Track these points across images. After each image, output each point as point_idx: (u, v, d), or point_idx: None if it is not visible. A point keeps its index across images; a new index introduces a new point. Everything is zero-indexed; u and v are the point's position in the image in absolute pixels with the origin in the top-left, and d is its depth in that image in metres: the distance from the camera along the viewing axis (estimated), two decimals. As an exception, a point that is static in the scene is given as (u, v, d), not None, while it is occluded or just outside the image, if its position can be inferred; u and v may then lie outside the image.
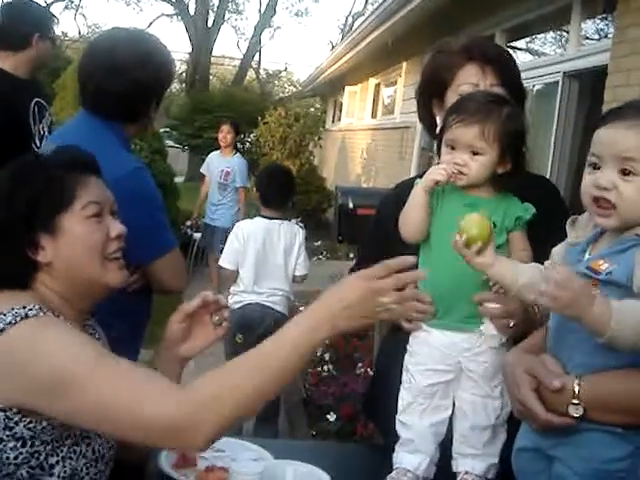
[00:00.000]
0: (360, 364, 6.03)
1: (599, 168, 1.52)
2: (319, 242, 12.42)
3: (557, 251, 1.70)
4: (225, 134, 8.83)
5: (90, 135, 2.48)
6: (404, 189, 2.13)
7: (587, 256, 1.57)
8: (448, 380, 1.95)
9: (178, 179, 13.53)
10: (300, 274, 5.00)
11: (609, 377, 1.52)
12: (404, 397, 2.00)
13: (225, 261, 4.93)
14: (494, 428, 1.94)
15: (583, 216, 1.64)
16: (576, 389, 1.52)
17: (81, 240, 1.72)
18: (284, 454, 2.03)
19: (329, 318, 1.55)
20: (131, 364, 1.59)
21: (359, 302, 1.55)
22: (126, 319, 2.34)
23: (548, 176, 5.71)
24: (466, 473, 1.93)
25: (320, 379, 5.89)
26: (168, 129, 23.51)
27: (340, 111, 19.50)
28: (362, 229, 4.35)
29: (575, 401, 1.52)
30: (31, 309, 1.58)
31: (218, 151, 9.11)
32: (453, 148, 1.93)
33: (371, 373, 5.01)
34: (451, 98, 2.17)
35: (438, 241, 1.95)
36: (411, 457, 1.96)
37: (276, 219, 4.95)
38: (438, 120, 2.23)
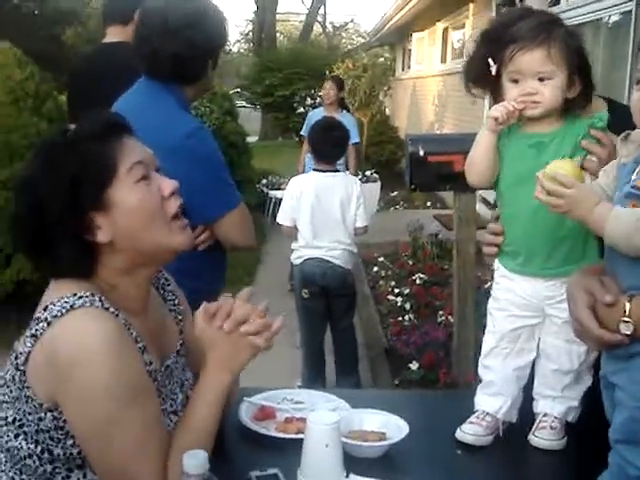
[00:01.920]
0: (441, 312, 6.02)
1: None
2: (395, 192, 12.36)
3: (608, 170, 1.65)
4: (328, 90, 8.18)
5: (148, 99, 2.50)
6: None
7: (634, 176, 1.53)
8: (532, 324, 1.93)
9: (251, 139, 13.63)
10: (360, 225, 4.89)
11: None
12: (487, 341, 1.99)
13: (281, 218, 4.90)
14: (577, 373, 1.91)
15: (636, 131, 1.59)
16: (627, 307, 1.52)
17: (137, 208, 1.62)
18: (363, 404, 2.03)
19: (220, 369, 1.68)
20: (155, 416, 1.59)
21: (229, 345, 1.66)
22: (202, 278, 2.37)
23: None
24: (545, 415, 1.92)
25: (401, 328, 5.90)
26: (239, 89, 23.63)
27: (409, 59, 19.23)
28: (434, 177, 4.34)
29: (626, 319, 1.51)
30: (80, 297, 1.53)
31: (321, 108, 8.54)
32: (516, 82, 1.84)
33: (452, 321, 5.00)
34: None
35: (508, 187, 1.90)
36: (492, 400, 1.95)
37: (330, 172, 4.89)
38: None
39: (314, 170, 4.92)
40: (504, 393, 1.94)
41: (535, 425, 1.92)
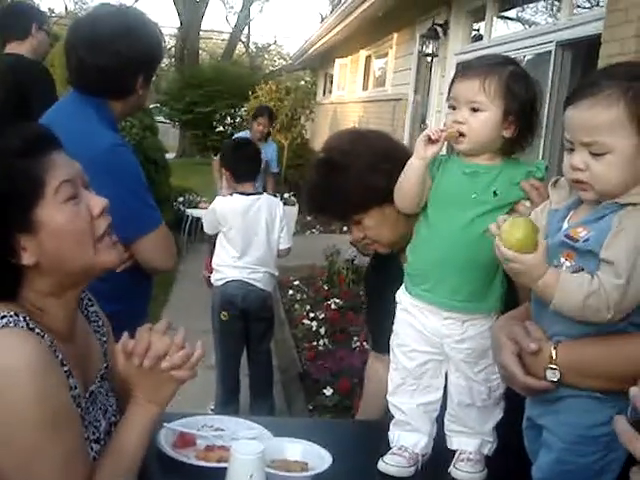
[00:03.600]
0: (355, 338, 6.04)
1: (573, 150, 1.52)
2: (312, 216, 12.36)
3: (539, 212, 1.67)
4: (263, 128, 8.11)
5: (70, 112, 2.45)
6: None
7: (566, 225, 1.56)
8: (437, 360, 1.93)
9: (169, 155, 13.49)
10: (284, 247, 4.94)
11: (586, 342, 1.53)
12: (393, 378, 1.98)
13: (208, 229, 5.00)
14: (484, 408, 1.93)
15: (565, 178, 1.61)
16: (553, 353, 1.54)
17: (65, 230, 1.53)
18: (283, 432, 2.01)
19: (147, 402, 1.67)
20: (78, 444, 1.54)
21: (152, 381, 1.65)
22: (123, 301, 2.30)
23: (541, 152, 5.67)
24: (461, 452, 1.93)
25: (316, 354, 5.90)
26: (158, 105, 23.37)
27: (331, 84, 19.40)
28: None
29: (552, 365, 1.54)
30: (4, 316, 1.46)
31: (247, 132, 8.44)
32: (454, 109, 1.85)
33: (367, 347, 5.01)
34: None
35: (435, 210, 1.89)
36: (407, 435, 1.95)
37: (253, 194, 4.89)
38: None
39: (237, 193, 4.88)
40: (419, 430, 1.95)
41: (455, 458, 1.93)
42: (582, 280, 1.46)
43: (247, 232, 4.78)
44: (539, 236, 1.51)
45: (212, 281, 4.92)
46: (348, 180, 2.13)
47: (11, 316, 1.47)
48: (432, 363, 1.93)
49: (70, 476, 1.49)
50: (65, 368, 1.55)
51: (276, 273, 4.99)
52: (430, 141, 1.82)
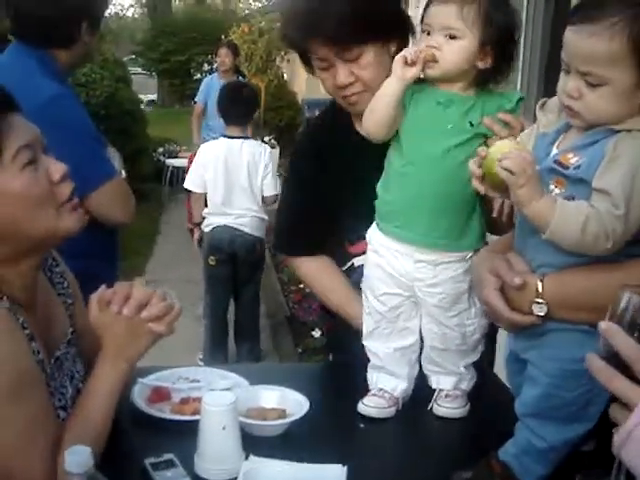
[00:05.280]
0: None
1: (569, 72, 1.42)
2: (295, 159, 12.27)
3: (525, 137, 1.57)
4: (223, 58, 7.98)
5: (8, 65, 2.37)
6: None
7: (555, 150, 1.48)
8: (410, 302, 1.85)
9: (147, 107, 13.34)
10: (269, 195, 4.89)
11: (572, 274, 1.46)
12: (366, 322, 1.92)
13: (190, 184, 4.94)
14: (458, 352, 1.88)
15: (553, 100, 1.52)
16: (539, 287, 1.47)
17: (22, 196, 1.47)
18: (262, 379, 1.98)
19: (117, 357, 1.60)
20: (43, 407, 1.49)
21: (127, 332, 1.59)
22: (90, 259, 2.24)
23: (518, 87, 5.52)
24: (440, 390, 1.90)
25: (303, 296, 5.88)
26: (133, 56, 23.08)
27: (307, 23, 19.09)
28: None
29: (538, 299, 1.47)
30: None
31: (215, 74, 8.33)
32: (429, 34, 1.72)
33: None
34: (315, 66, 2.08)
35: (408, 142, 1.78)
36: (386, 378, 1.91)
37: (238, 138, 4.87)
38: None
39: (223, 136, 4.93)
40: (395, 373, 1.90)
41: (435, 394, 1.90)
42: (580, 207, 1.37)
43: (229, 177, 4.79)
44: None
45: (202, 228, 4.95)
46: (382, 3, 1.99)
47: None
48: (405, 306, 1.86)
49: (35, 442, 1.45)
50: (27, 331, 1.50)
51: (266, 217, 4.97)
52: (407, 63, 1.70)
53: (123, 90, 9.58)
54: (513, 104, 1.78)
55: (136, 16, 39.20)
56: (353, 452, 1.72)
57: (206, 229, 4.91)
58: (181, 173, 9.44)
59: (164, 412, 1.85)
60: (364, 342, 1.94)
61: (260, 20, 15.72)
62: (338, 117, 2.16)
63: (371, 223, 1.90)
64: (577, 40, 1.38)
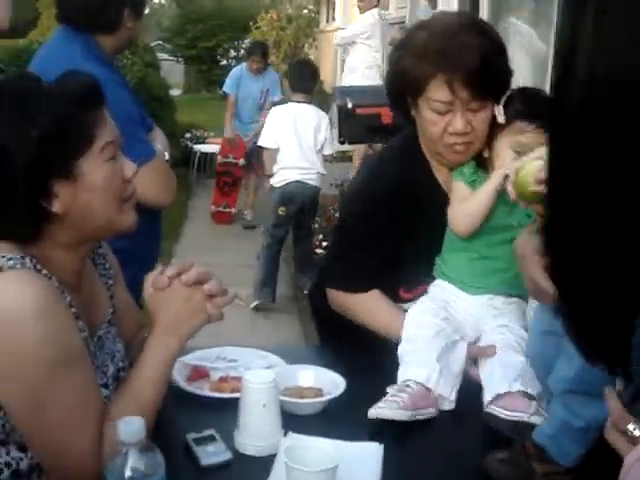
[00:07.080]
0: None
1: None
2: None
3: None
4: (257, 64, 7.95)
5: (53, 49, 2.41)
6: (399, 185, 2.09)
7: None
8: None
9: (175, 92, 13.37)
10: (327, 153, 5.74)
11: None
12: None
13: (265, 141, 5.65)
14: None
15: None
16: None
17: (101, 186, 1.54)
18: (297, 359, 2.02)
19: (169, 333, 1.61)
20: (89, 381, 1.52)
21: (182, 307, 1.62)
22: (136, 237, 2.28)
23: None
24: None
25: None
26: (161, 42, 23.12)
27: (334, 10, 19.03)
28: (362, 129, 4.30)
29: None
30: (10, 258, 1.44)
31: (243, 65, 8.27)
32: (520, 153, 1.84)
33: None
34: (423, 108, 1.98)
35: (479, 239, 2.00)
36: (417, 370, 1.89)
37: (304, 102, 5.67)
38: (413, 113, 2.05)
39: (291, 101, 5.76)
40: (427, 365, 1.87)
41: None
42: None
43: (299, 137, 5.53)
44: None
45: (272, 183, 5.64)
46: (506, 60, 2.00)
47: (17, 258, 1.46)
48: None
49: (82, 414, 1.48)
50: (73, 309, 1.54)
51: (324, 172, 5.77)
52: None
53: (152, 76, 9.64)
54: None
55: (163, 2, 39.34)
56: (389, 430, 1.73)
57: (279, 183, 5.55)
58: (209, 159, 9.48)
59: (203, 390, 1.90)
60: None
61: (287, 7, 15.73)
62: (419, 165, 2.13)
63: (429, 272, 2.08)
64: None
